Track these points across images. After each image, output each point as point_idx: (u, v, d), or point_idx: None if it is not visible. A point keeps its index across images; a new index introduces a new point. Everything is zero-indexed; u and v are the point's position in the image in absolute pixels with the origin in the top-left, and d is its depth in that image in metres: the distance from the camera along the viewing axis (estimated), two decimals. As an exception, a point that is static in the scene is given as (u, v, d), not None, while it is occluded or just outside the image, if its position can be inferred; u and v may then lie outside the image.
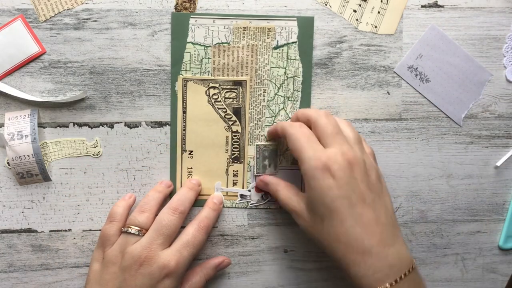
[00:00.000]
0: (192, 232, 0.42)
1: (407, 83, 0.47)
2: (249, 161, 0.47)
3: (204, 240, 0.43)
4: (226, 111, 0.46)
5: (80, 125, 0.46)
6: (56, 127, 0.46)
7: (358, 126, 0.47)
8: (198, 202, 0.46)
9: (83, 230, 0.46)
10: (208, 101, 0.46)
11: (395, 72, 0.47)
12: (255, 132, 0.46)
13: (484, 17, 0.47)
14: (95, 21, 0.45)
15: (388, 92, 0.47)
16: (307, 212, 0.39)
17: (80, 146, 0.46)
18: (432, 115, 0.47)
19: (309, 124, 0.40)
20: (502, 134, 0.48)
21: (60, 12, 0.44)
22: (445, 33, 0.47)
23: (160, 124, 0.46)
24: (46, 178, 0.45)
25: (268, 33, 0.45)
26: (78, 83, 0.45)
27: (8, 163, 0.45)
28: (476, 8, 0.47)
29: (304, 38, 0.46)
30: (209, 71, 0.46)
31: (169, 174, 0.46)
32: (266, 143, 0.46)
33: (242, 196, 0.47)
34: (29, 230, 0.46)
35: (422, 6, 0.46)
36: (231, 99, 0.46)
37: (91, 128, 0.46)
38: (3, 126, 0.45)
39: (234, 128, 0.46)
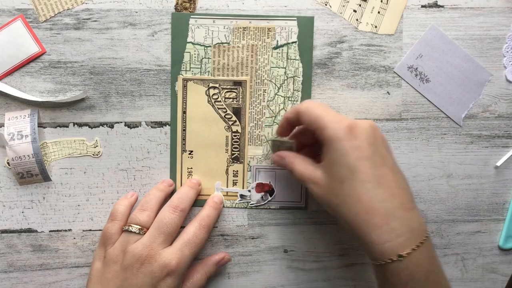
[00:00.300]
0: (193, 231, 0.42)
1: (407, 83, 0.47)
2: (249, 161, 0.47)
3: (205, 238, 0.43)
4: (226, 111, 0.46)
5: (80, 125, 0.46)
6: (56, 127, 0.46)
7: (358, 126, 0.47)
8: (198, 202, 0.46)
9: (83, 230, 0.46)
10: (208, 101, 0.46)
11: (395, 72, 0.47)
12: (255, 132, 0.46)
13: (484, 17, 0.47)
14: (95, 21, 0.45)
15: (388, 92, 0.47)
16: (325, 178, 0.38)
17: (80, 146, 0.46)
18: (432, 115, 0.47)
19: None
20: (502, 134, 0.48)
21: (60, 12, 0.44)
22: (445, 33, 0.46)
23: (160, 124, 0.46)
24: (46, 178, 0.45)
25: (268, 33, 0.45)
26: (78, 83, 0.45)
27: (8, 163, 0.45)
28: (476, 8, 0.47)
29: (304, 38, 0.46)
30: (209, 71, 0.46)
31: (169, 174, 0.46)
32: (282, 139, 0.44)
33: (242, 196, 0.47)
34: (29, 230, 0.46)
35: (422, 6, 0.46)
36: (231, 99, 0.46)
37: (91, 128, 0.46)
38: (3, 126, 0.45)
39: (234, 128, 0.46)
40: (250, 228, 0.47)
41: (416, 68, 0.47)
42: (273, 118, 0.46)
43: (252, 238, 0.47)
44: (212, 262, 0.45)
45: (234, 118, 0.46)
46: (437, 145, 0.48)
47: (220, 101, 0.46)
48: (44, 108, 0.45)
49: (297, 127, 0.43)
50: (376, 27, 0.46)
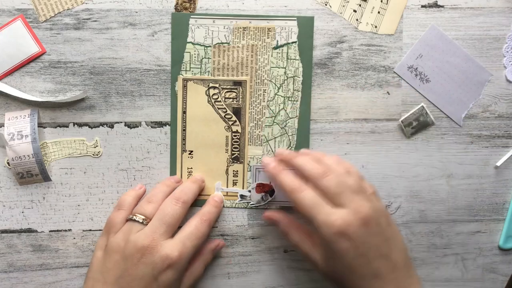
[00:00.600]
0: (194, 224, 0.42)
1: (407, 83, 0.47)
2: (249, 161, 0.47)
3: (207, 233, 0.43)
4: (226, 111, 0.46)
5: (80, 125, 0.46)
6: (56, 127, 0.46)
7: (358, 126, 0.47)
8: (199, 202, 0.46)
9: (83, 230, 0.46)
10: (208, 101, 0.46)
11: (395, 72, 0.47)
12: (255, 132, 0.46)
13: (484, 17, 0.47)
14: (95, 21, 0.45)
15: (388, 92, 0.47)
16: (323, 262, 0.40)
17: (80, 146, 0.46)
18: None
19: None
20: (502, 134, 0.48)
21: (60, 12, 0.44)
22: (445, 33, 0.46)
23: (160, 124, 0.46)
24: (46, 178, 0.45)
25: (268, 33, 0.45)
26: (78, 83, 0.45)
27: (8, 163, 0.45)
28: (476, 8, 0.47)
29: (304, 38, 0.46)
30: (209, 71, 0.46)
31: (169, 174, 0.46)
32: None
33: (242, 196, 0.47)
34: (29, 230, 0.46)
35: (422, 6, 0.46)
36: (231, 99, 0.46)
37: (91, 128, 0.46)
38: (3, 126, 0.45)
39: (234, 128, 0.46)
40: (250, 228, 0.47)
41: (416, 68, 0.47)
42: (273, 118, 0.46)
43: (252, 238, 0.47)
44: (208, 250, 0.45)
45: (234, 118, 0.46)
46: (437, 145, 0.48)
47: (220, 101, 0.46)
48: (44, 108, 0.45)
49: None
50: (376, 27, 0.46)
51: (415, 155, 0.48)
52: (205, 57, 0.45)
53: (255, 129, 0.46)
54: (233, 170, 0.47)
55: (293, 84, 0.46)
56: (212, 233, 0.47)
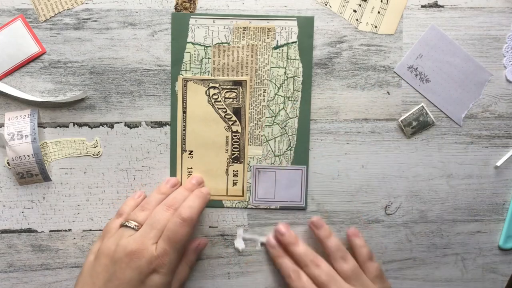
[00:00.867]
0: (172, 228, 0.41)
1: (407, 83, 0.47)
2: (249, 161, 0.47)
3: (188, 233, 0.41)
4: (226, 111, 0.46)
5: (80, 125, 0.46)
6: (56, 127, 0.46)
7: (358, 126, 0.47)
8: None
9: (83, 230, 0.46)
10: (208, 101, 0.46)
11: (395, 72, 0.47)
12: (255, 132, 0.46)
13: (484, 17, 0.47)
14: (95, 21, 0.45)
15: (388, 92, 0.47)
16: None
17: (80, 146, 0.46)
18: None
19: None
20: (502, 134, 0.48)
21: (60, 12, 0.44)
22: (445, 33, 0.47)
23: (160, 124, 0.46)
24: (46, 178, 0.45)
25: (268, 33, 0.45)
26: (78, 83, 0.45)
27: (8, 163, 0.45)
28: (476, 8, 0.47)
29: (304, 38, 0.46)
30: (209, 71, 0.46)
31: (169, 174, 0.46)
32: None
33: (262, 244, 0.47)
34: (29, 230, 0.46)
35: (422, 6, 0.46)
36: (231, 99, 0.46)
37: (91, 128, 0.46)
38: (3, 126, 0.45)
39: (234, 128, 0.46)
40: (250, 228, 0.47)
41: (416, 68, 0.47)
42: (273, 118, 0.46)
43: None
44: (189, 251, 0.45)
45: (234, 118, 0.46)
46: (437, 145, 0.48)
47: (220, 101, 0.46)
48: (44, 108, 0.45)
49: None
50: (376, 27, 0.46)
51: (415, 155, 0.48)
52: (205, 57, 0.45)
53: (255, 129, 0.46)
54: (233, 170, 0.47)
55: (293, 84, 0.46)
56: (212, 233, 0.47)
